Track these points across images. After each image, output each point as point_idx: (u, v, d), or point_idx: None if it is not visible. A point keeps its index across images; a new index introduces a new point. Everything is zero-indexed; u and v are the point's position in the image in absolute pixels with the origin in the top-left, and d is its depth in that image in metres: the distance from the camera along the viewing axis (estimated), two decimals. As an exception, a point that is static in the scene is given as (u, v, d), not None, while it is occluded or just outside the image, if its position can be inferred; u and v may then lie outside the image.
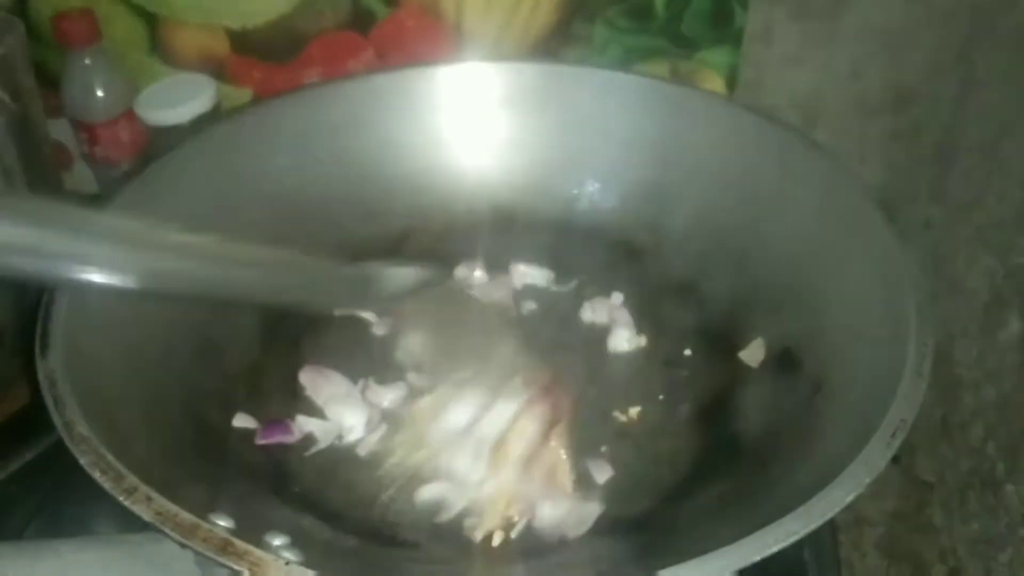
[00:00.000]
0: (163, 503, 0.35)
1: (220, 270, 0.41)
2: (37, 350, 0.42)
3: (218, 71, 0.74)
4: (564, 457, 0.49)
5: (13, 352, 0.54)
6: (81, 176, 0.78)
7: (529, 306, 0.59)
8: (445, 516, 0.47)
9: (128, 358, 0.47)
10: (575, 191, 0.63)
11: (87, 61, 0.69)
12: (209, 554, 0.34)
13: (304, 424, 0.52)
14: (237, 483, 0.46)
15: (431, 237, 0.63)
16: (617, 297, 0.59)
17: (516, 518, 0.46)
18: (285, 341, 0.56)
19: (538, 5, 0.69)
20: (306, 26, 0.72)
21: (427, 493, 0.48)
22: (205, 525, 0.35)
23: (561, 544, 0.45)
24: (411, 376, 0.54)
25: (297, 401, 0.53)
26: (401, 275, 0.52)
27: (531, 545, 0.46)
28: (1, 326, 0.52)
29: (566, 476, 0.48)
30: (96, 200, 0.53)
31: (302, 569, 0.33)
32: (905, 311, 0.44)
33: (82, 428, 0.38)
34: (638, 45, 0.70)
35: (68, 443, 0.38)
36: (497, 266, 0.61)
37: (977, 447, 0.63)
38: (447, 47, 0.72)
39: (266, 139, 0.60)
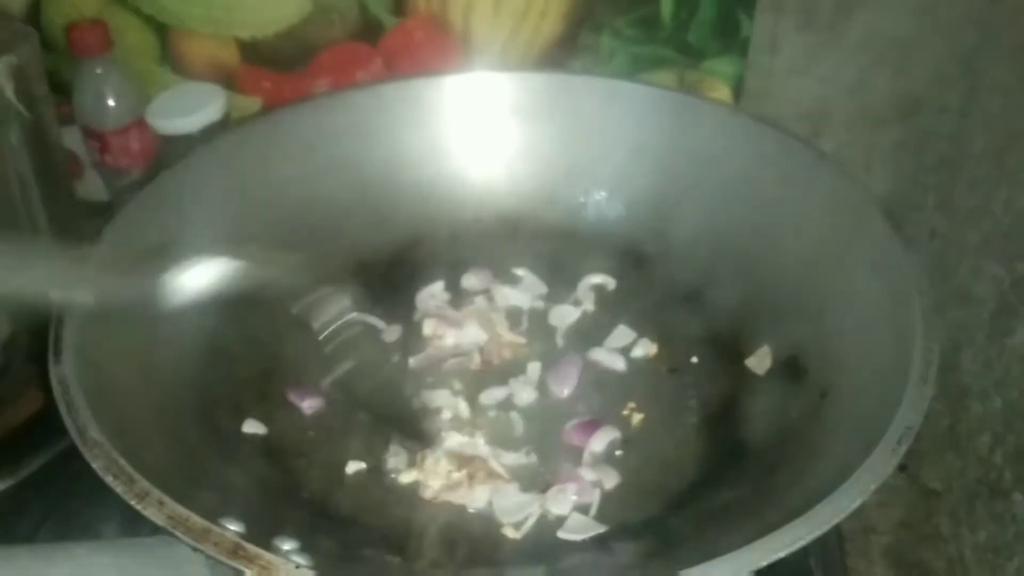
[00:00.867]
0: (174, 507, 0.36)
1: None
2: (50, 356, 0.42)
3: (228, 81, 0.75)
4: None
5: (27, 358, 0.54)
6: (91, 184, 0.79)
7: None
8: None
9: (139, 364, 0.48)
10: (582, 199, 0.63)
11: (99, 70, 0.69)
12: (220, 558, 0.34)
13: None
14: (247, 489, 0.46)
15: (438, 245, 0.63)
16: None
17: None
18: (295, 347, 0.56)
19: (545, 15, 0.70)
20: (315, 36, 0.73)
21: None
22: (216, 529, 0.35)
23: (567, 549, 0.46)
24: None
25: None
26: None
27: (537, 550, 0.46)
28: (15, 332, 0.53)
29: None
30: (106, 207, 0.54)
31: (311, 573, 0.34)
32: (911, 318, 0.44)
33: (94, 433, 0.39)
34: (644, 55, 0.70)
35: (81, 447, 0.39)
36: (502, 274, 0.62)
37: (984, 456, 0.63)
38: (455, 57, 0.72)
39: (275, 148, 0.60)
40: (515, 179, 0.64)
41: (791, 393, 0.50)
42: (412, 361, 0.56)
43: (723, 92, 0.71)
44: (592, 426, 0.52)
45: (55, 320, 0.44)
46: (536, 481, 0.49)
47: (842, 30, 0.67)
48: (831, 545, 0.53)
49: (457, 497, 0.48)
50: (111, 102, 0.71)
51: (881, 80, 0.69)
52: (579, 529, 0.47)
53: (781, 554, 0.35)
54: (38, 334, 0.52)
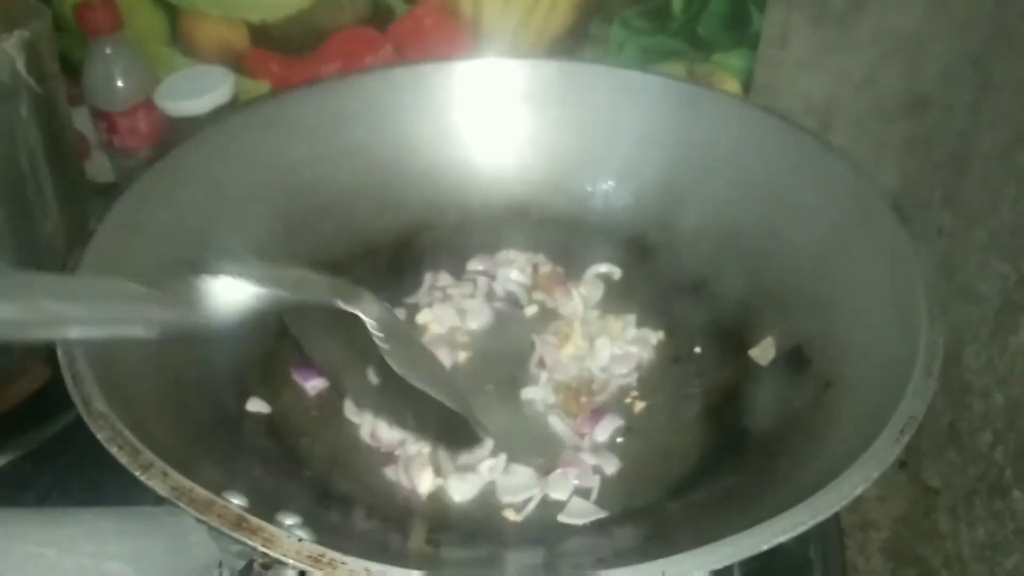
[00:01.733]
0: (178, 479, 0.36)
1: None
2: (57, 328, 0.42)
3: (237, 64, 0.75)
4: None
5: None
6: (99, 165, 0.79)
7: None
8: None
9: (145, 340, 0.47)
10: (590, 188, 0.64)
11: (108, 50, 0.69)
12: (224, 529, 0.34)
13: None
14: (250, 465, 0.47)
15: (445, 230, 0.63)
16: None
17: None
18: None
19: (556, 5, 0.70)
20: (325, 21, 0.73)
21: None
22: (220, 501, 0.35)
23: (568, 532, 0.46)
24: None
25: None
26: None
27: (537, 533, 0.46)
28: (20, 307, 0.53)
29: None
30: (112, 188, 0.54)
31: (314, 546, 0.34)
32: (916, 310, 0.44)
33: (100, 404, 0.39)
34: (655, 46, 0.70)
35: (86, 418, 0.39)
36: (509, 260, 0.62)
37: (985, 453, 0.63)
38: (464, 45, 0.72)
39: (284, 130, 0.60)
40: (524, 166, 0.64)
41: (794, 383, 0.50)
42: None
43: (732, 85, 0.71)
44: (596, 414, 0.52)
45: (62, 293, 0.44)
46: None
47: (853, 25, 0.67)
48: (831, 536, 0.53)
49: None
50: (120, 83, 0.71)
51: (891, 76, 0.69)
52: (580, 514, 0.47)
53: (783, 538, 0.35)
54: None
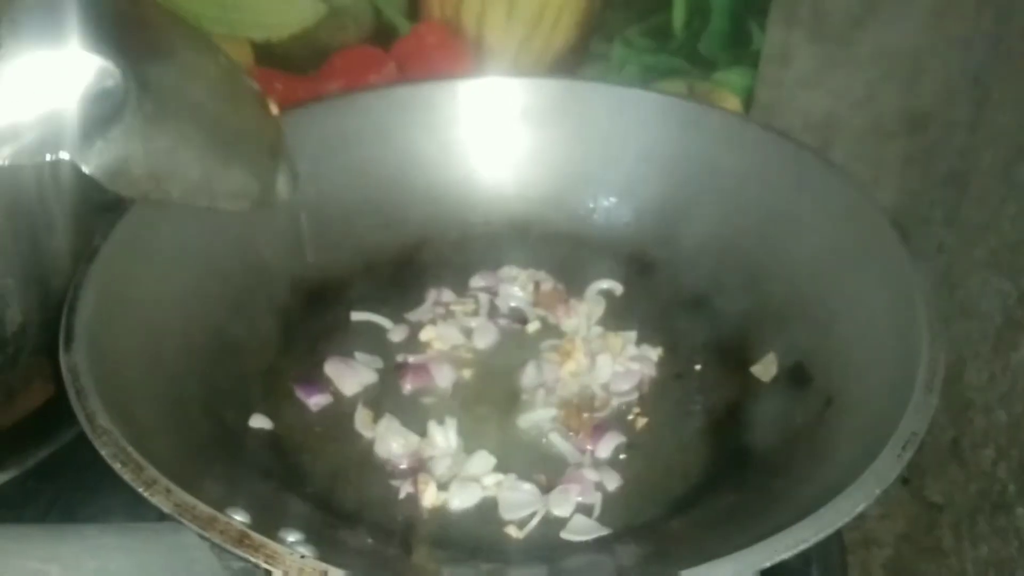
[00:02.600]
0: (182, 495, 0.36)
1: None
2: (61, 343, 0.43)
3: (241, 82, 0.75)
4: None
5: (35, 349, 0.55)
6: (104, 182, 0.79)
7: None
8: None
9: (148, 356, 0.48)
10: (591, 205, 0.64)
11: (114, 69, 0.70)
12: (226, 546, 0.34)
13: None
14: (252, 481, 0.47)
15: (447, 247, 0.64)
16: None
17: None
18: (302, 344, 0.57)
19: (558, 23, 0.71)
20: (329, 40, 0.73)
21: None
22: (223, 517, 0.35)
23: (570, 549, 0.46)
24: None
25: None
26: None
27: (540, 550, 0.46)
28: (24, 323, 0.53)
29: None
30: (117, 206, 0.54)
31: (316, 563, 0.34)
32: (917, 326, 0.44)
33: (103, 420, 0.39)
34: (656, 64, 0.71)
35: (90, 434, 0.39)
36: (511, 277, 0.62)
37: (988, 470, 0.63)
38: (467, 63, 0.73)
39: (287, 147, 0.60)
40: (525, 183, 0.64)
41: (796, 400, 0.50)
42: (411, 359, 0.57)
43: (733, 103, 0.71)
44: (598, 431, 0.52)
45: (67, 309, 0.44)
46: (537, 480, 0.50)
47: (853, 43, 0.68)
48: (833, 553, 0.53)
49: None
50: (125, 100, 0.71)
51: (890, 94, 0.69)
52: (582, 531, 0.47)
53: (785, 555, 0.35)
54: (47, 326, 0.52)
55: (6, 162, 0.37)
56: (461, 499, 0.48)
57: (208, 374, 0.51)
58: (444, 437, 0.51)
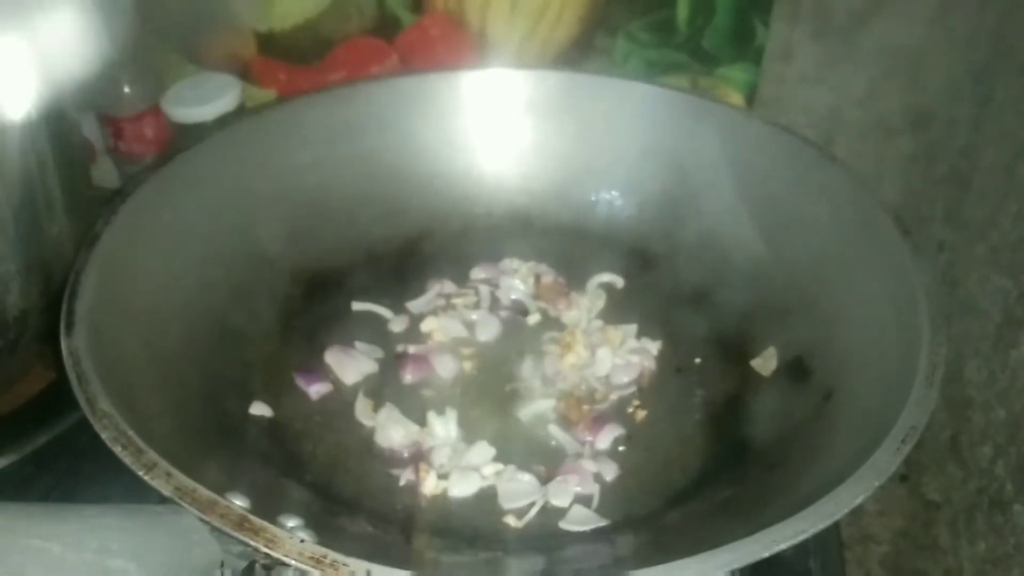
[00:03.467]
0: (182, 479, 0.36)
1: None
2: (62, 328, 0.43)
3: (244, 72, 0.75)
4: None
5: (36, 335, 0.55)
6: (105, 170, 0.79)
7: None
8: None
9: (150, 343, 0.48)
10: (593, 198, 0.64)
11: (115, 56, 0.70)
12: (226, 529, 0.34)
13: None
14: (252, 468, 0.47)
15: (448, 238, 0.64)
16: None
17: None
18: (303, 333, 0.57)
19: (561, 17, 0.71)
20: (332, 31, 0.73)
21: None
22: (223, 501, 0.35)
23: (569, 539, 0.46)
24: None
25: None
26: None
27: (539, 539, 0.46)
28: (25, 309, 0.53)
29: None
30: (119, 192, 0.54)
31: (316, 547, 0.34)
32: (918, 321, 0.45)
33: (104, 404, 0.39)
34: (659, 59, 0.71)
35: (90, 418, 0.39)
36: (512, 269, 0.62)
37: (986, 467, 0.63)
38: (470, 56, 0.73)
39: (291, 136, 0.61)
40: (527, 176, 0.64)
41: (796, 394, 0.50)
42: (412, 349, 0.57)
43: (736, 99, 0.72)
44: (598, 423, 0.52)
45: (68, 294, 0.44)
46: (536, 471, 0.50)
47: (856, 40, 0.68)
48: (832, 549, 0.53)
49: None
50: (127, 89, 0.71)
51: (893, 91, 0.69)
52: (580, 521, 0.47)
53: (783, 546, 0.35)
54: (48, 311, 0.52)
55: None
56: (460, 488, 0.48)
57: (209, 361, 0.51)
58: (444, 427, 0.51)
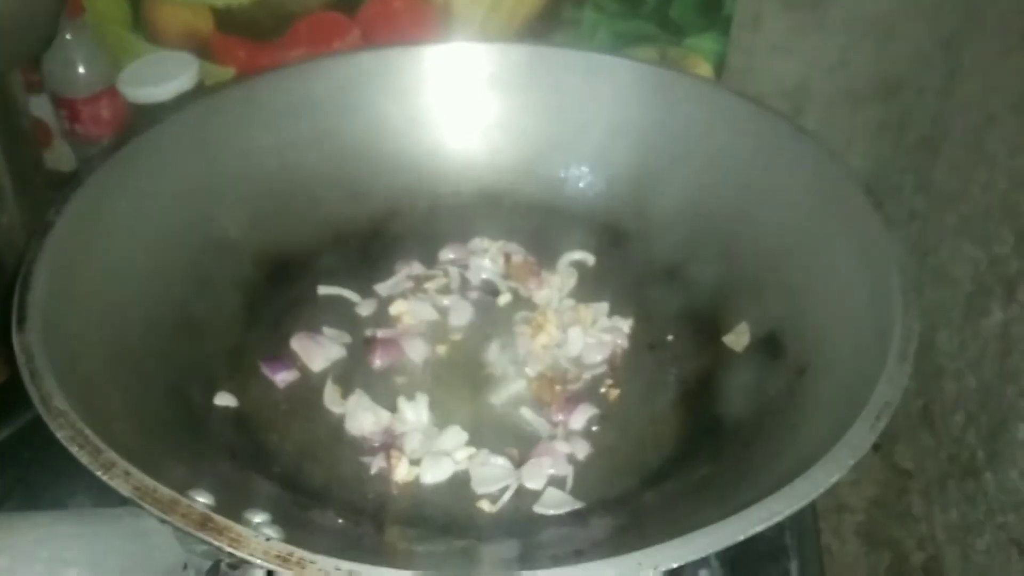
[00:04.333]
0: (141, 478, 0.35)
1: None
2: (14, 323, 0.41)
3: (202, 49, 0.73)
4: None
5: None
6: (60, 153, 0.77)
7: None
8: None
9: (107, 336, 0.46)
10: (562, 174, 0.63)
11: (68, 36, 0.68)
12: (189, 530, 0.34)
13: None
14: (218, 461, 0.46)
15: (416, 218, 0.62)
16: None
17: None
18: (267, 319, 0.56)
19: (527, -13, 0.69)
20: (292, 5, 0.71)
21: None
22: (184, 501, 0.34)
23: (543, 523, 0.45)
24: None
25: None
26: None
27: (513, 524, 0.46)
28: (-24, 301, 0.52)
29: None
30: (73, 178, 0.53)
31: (282, 545, 0.33)
32: (891, 295, 0.44)
33: (59, 402, 0.38)
34: (627, 30, 0.70)
35: (45, 417, 0.37)
36: (481, 249, 0.61)
37: (957, 435, 0.64)
38: (434, 29, 0.71)
39: (250, 116, 0.59)
40: (495, 153, 0.63)
41: (769, 370, 0.50)
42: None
43: (705, 69, 0.71)
44: (571, 403, 0.52)
45: (19, 286, 0.43)
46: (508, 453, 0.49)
47: (825, 9, 0.67)
48: (807, 521, 0.53)
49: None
50: (81, 69, 0.69)
51: (862, 60, 0.69)
52: (555, 504, 0.47)
53: (759, 528, 0.35)
54: (2, 305, 0.51)
55: None
56: (433, 474, 0.48)
57: (170, 352, 0.49)
58: (415, 412, 0.51)
